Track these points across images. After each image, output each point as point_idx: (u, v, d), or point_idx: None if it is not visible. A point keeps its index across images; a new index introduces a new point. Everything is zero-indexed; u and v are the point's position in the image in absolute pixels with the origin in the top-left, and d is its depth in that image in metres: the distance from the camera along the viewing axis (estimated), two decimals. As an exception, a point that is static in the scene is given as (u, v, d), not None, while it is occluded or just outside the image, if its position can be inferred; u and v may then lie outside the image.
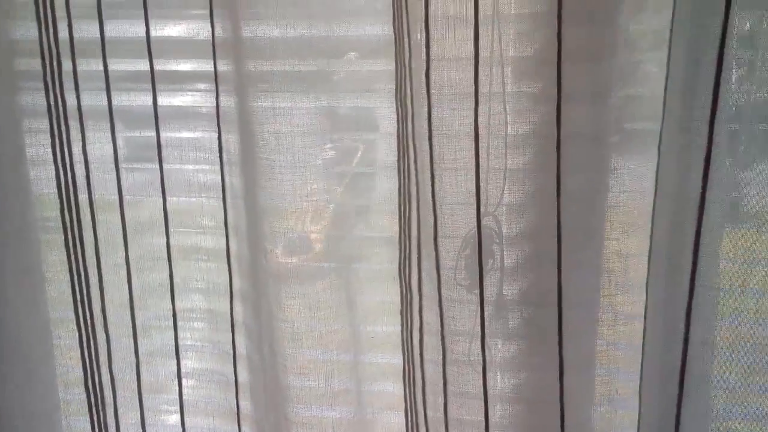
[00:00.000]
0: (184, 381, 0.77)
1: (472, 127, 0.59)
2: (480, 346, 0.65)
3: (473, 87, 0.57)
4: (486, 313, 0.64)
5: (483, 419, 0.67)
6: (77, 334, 0.72)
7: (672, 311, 0.53)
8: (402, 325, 0.69)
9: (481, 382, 0.66)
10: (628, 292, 0.61)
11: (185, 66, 0.69)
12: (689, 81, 0.49)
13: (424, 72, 0.57)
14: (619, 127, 0.59)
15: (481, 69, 0.57)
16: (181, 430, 0.78)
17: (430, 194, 0.61)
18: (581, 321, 0.63)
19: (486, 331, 0.65)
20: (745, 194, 0.49)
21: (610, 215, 0.62)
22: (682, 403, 0.53)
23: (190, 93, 0.69)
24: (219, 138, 0.68)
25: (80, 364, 0.73)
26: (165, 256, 0.72)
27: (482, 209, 0.62)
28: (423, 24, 0.57)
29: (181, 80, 0.69)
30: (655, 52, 0.55)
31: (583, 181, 0.60)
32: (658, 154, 0.54)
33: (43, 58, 0.65)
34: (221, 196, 0.70)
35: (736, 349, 0.52)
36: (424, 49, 0.57)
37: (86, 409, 0.73)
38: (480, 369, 0.66)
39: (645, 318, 0.58)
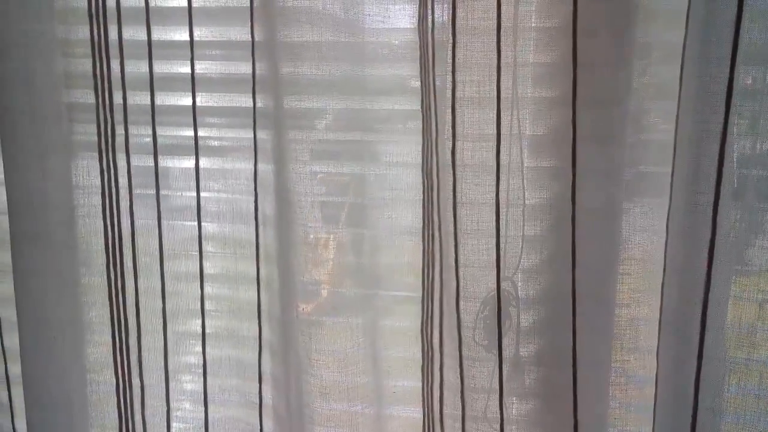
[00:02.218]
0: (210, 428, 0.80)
1: (494, 198, 0.63)
2: (498, 404, 0.68)
3: (495, 162, 0.62)
4: (504, 372, 0.68)
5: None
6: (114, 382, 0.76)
7: (681, 378, 0.56)
8: (423, 381, 0.72)
9: (498, 436, 0.69)
10: (639, 357, 0.65)
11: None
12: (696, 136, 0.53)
13: (450, 149, 0.62)
14: (631, 200, 0.64)
15: (502, 147, 0.62)
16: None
17: (453, 259, 0.66)
18: (595, 382, 0.66)
19: (504, 389, 0.68)
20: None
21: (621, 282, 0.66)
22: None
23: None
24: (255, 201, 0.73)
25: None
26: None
27: (502, 273, 0.66)
28: (450, 106, 0.62)
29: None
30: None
31: (596, 250, 0.64)
32: (666, 233, 0.58)
33: (96, 93, 0.70)
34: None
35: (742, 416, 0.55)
36: (450, 128, 0.62)
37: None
38: (497, 426, 0.68)
39: (656, 383, 0.61)
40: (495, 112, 0.61)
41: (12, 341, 0.81)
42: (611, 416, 0.67)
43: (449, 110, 0.62)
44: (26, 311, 0.76)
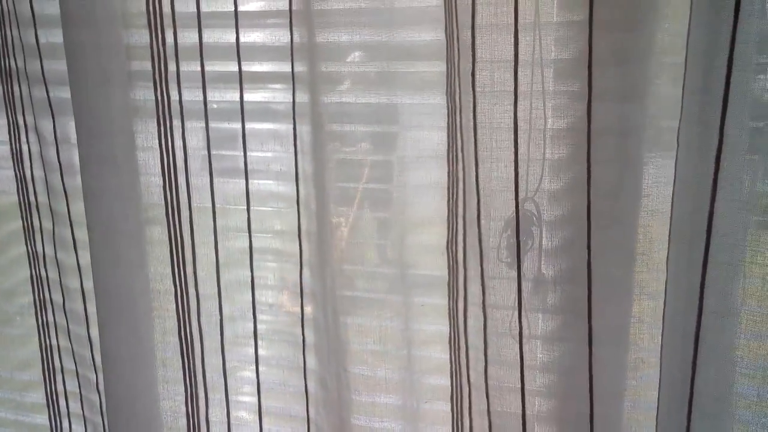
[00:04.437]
0: (259, 341, 0.89)
1: (512, 120, 0.67)
2: (518, 319, 0.73)
3: (513, 85, 0.65)
4: (523, 289, 0.72)
5: (519, 385, 0.74)
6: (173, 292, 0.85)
7: (687, 285, 0.59)
8: (449, 297, 0.77)
9: (518, 350, 0.74)
10: (652, 271, 0.68)
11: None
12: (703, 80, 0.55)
13: (470, 72, 0.66)
14: (647, 123, 0.66)
15: (520, 70, 0.65)
16: (256, 381, 0.90)
17: (474, 179, 0.70)
18: (610, 297, 0.70)
19: (525, 305, 0.72)
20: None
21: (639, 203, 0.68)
22: (697, 367, 0.59)
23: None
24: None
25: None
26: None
27: (522, 195, 0.70)
28: (470, 31, 0.65)
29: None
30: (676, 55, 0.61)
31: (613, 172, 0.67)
32: (677, 146, 0.60)
33: (152, 60, 0.78)
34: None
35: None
36: (470, 52, 0.66)
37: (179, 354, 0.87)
38: (518, 340, 0.73)
39: (665, 293, 0.64)
40: (513, 35, 0.64)
41: (85, 259, 0.91)
42: (626, 328, 0.70)
43: (470, 33, 0.65)
44: (96, 229, 0.85)
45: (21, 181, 0.92)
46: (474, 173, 0.69)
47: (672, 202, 0.61)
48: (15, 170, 0.92)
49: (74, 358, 0.97)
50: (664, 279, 0.65)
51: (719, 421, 0.60)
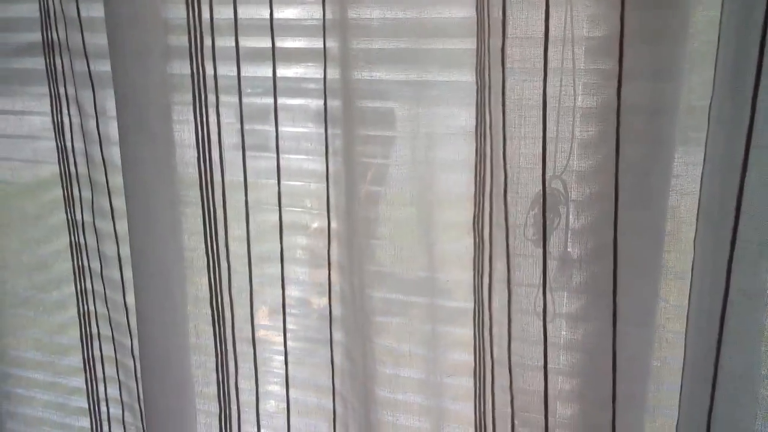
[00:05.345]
0: (287, 311, 0.91)
1: (541, 98, 0.67)
2: (543, 298, 0.73)
3: (543, 63, 0.65)
4: (548, 267, 0.72)
5: (542, 362, 0.75)
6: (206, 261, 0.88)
7: (714, 264, 0.59)
8: (474, 273, 0.78)
9: (542, 327, 0.74)
10: (679, 251, 0.67)
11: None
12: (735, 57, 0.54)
13: (500, 48, 0.66)
14: (679, 102, 0.65)
15: (550, 47, 0.65)
16: (284, 352, 0.92)
17: (501, 156, 0.70)
18: (635, 277, 0.70)
19: (550, 284, 0.73)
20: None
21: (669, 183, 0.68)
22: (722, 346, 0.59)
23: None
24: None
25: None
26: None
27: (549, 173, 0.70)
28: (501, 7, 0.65)
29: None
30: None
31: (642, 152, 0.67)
32: (708, 124, 0.59)
33: (189, 34, 0.80)
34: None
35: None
36: (501, 28, 0.66)
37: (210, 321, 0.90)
38: (541, 315, 0.74)
39: (692, 272, 0.64)
40: (544, 12, 0.64)
41: (122, 227, 0.94)
42: (651, 307, 0.70)
43: (500, 9, 0.65)
44: (133, 197, 0.88)
45: (62, 151, 0.96)
46: (502, 150, 0.70)
47: (701, 181, 0.61)
48: (56, 141, 0.96)
49: (110, 324, 1.01)
50: (692, 259, 0.64)
51: (742, 402, 0.59)
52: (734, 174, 0.55)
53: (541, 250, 0.72)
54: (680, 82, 0.64)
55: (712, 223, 0.59)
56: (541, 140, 0.68)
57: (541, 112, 0.67)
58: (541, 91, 0.66)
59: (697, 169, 0.63)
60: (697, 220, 0.62)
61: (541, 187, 0.70)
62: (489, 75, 0.69)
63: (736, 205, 0.56)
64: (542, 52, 0.65)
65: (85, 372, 1.06)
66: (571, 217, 0.71)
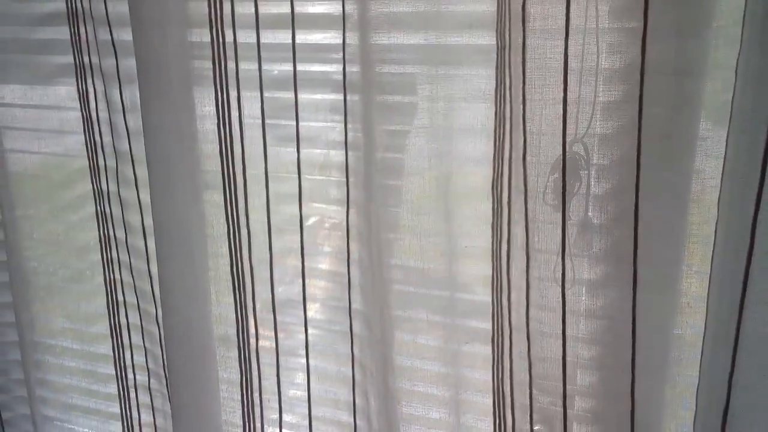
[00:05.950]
0: (306, 280, 0.92)
1: (562, 59, 0.65)
2: (561, 262, 0.73)
3: (564, 21, 0.64)
4: (568, 232, 0.72)
5: (561, 329, 0.75)
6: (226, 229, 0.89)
7: (739, 224, 0.57)
8: (492, 238, 0.78)
9: (560, 294, 0.74)
10: (703, 215, 0.66)
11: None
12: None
13: (521, 5, 0.65)
14: (706, 61, 0.63)
15: (573, 4, 0.64)
16: (303, 319, 0.93)
17: (521, 119, 0.69)
18: (657, 242, 0.68)
19: (567, 248, 0.72)
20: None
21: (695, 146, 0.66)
22: (744, 307, 0.58)
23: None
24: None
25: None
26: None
27: (570, 136, 0.69)
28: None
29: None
30: None
31: (667, 113, 0.65)
32: (735, 80, 0.58)
33: (211, 33, 0.80)
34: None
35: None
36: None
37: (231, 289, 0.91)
38: (560, 282, 0.73)
39: (715, 235, 0.63)
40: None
41: (146, 196, 0.95)
42: (672, 273, 0.69)
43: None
44: (155, 168, 0.89)
45: (87, 121, 0.97)
46: (521, 113, 0.69)
47: (726, 140, 0.59)
48: (81, 111, 0.97)
49: (136, 292, 1.03)
50: (715, 223, 0.63)
51: (764, 365, 0.58)
52: (761, 133, 0.54)
53: (560, 215, 0.71)
54: (707, 40, 0.63)
55: (737, 184, 0.58)
56: (561, 102, 0.67)
57: (563, 73, 0.66)
58: (563, 51, 0.65)
59: (724, 130, 0.62)
60: (721, 182, 0.60)
61: (561, 151, 0.69)
62: (509, 35, 0.68)
63: (762, 164, 0.54)
64: (564, 10, 0.64)
65: (112, 339, 1.09)
66: (592, 181, 0.70)
